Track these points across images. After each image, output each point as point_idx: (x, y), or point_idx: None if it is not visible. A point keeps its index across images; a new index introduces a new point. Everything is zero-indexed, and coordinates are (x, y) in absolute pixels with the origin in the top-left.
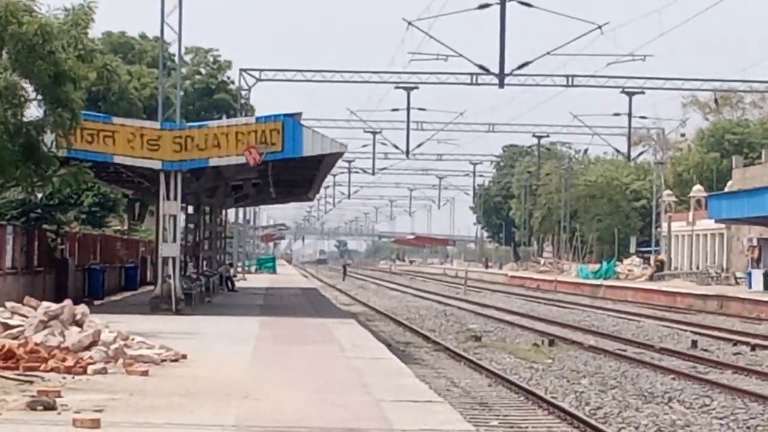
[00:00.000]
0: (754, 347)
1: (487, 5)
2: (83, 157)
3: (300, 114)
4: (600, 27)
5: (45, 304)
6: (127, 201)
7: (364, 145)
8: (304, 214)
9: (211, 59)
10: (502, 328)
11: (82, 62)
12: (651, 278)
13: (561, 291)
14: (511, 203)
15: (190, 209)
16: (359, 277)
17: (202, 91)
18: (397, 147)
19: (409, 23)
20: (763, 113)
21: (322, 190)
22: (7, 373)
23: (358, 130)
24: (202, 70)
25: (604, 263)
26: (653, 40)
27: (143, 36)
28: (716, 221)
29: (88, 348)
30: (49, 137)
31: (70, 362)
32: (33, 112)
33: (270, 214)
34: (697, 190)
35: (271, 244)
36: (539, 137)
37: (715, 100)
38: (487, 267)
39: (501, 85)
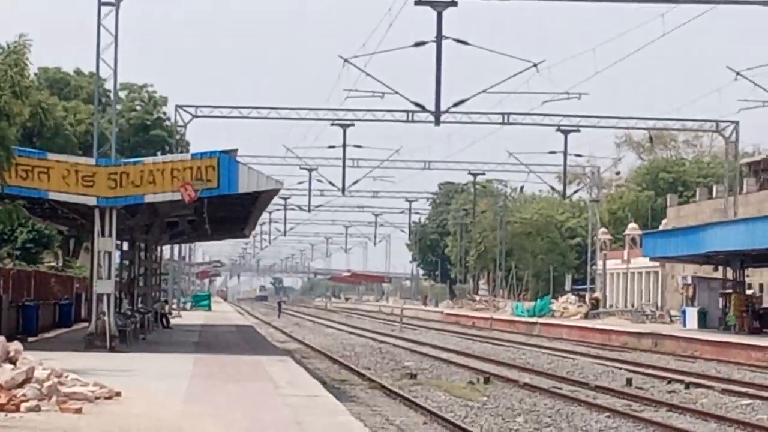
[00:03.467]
0: (688, 385)
1: (422, 43)
2: (17, 193)
3: (236, 151)
4: (536, 65)
5: None
6: (62, 237)
7: (300, 182)
8: (240, 251)
9: (146, 95)
10: (437, 366)
11: (17, 99)
12: (586, 316)
13: (496, 328)
14: (447, 240)
15: (125, 246)
16: (295, 315)
17: (137, 127)
18: (332, 184)
19: (345, 60)
20: (697, 152)
21: (257, 227)
22: None
23: (293, 167)
24: (138, 107)
25: (539, 300)
26: (588, 79)
27: (78, 72)
28: (651, 259)
29: (21, 385)
30: None
31: (3, 399)
32: None
33: (205, 250)
34: (632, 228)
35: (206, 281)
36: (475, 174)
37: (650, 138)
38: (425, 304)
39: (437, 122)
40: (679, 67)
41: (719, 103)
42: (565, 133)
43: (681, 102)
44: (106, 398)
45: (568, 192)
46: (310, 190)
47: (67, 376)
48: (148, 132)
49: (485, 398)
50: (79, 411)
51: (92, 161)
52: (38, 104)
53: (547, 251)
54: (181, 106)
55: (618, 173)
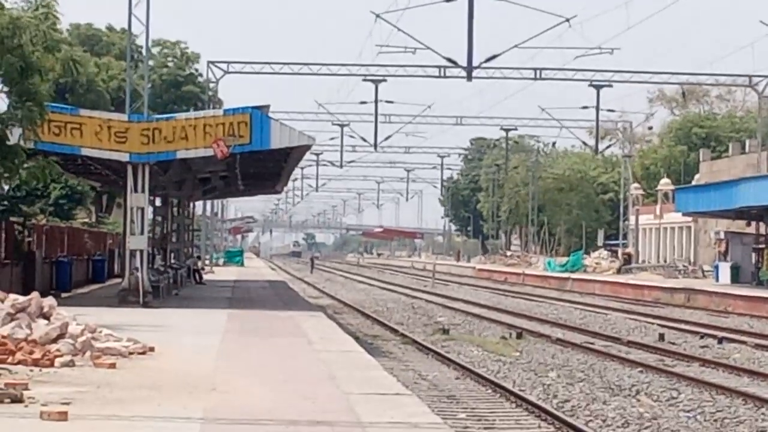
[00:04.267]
0: (721, 340)
1: None
2: (50, 150)
3: (268, 106)
4: (568, 20)
5: (12, 296)
6: (95, 193)
7: (332, 138)
8: (272, 207)
9: (179, 52)
10: (470, 321)
11: (48, 53)
12: (618, 271)
13: (529, 284)
14: (479, 196)
15: (158, 202)
16: (327, 270)
17: (169, 84)
18: (365, 140)
19: (377, 16)
20: (730, 107)
21: (290, 183)
22: None
23: (326, 123)
24: (170, 63)
25: (571, 256)
26: (621, 34)
27: (111, 28)
28: (684, 214)
29: (55, 340)
30: (16, 130)
31: (37, 355)
32: None
33: (238, 206)
34: (665, 184)
35: (239, 236)
36: (507, 130)
37: (683, 93)
38: (458, 259)
39: (469, 77)
40: (712, 21)
41: (752, 57)
42: (598, 88)
43: (714, 57)
44: (140, 353)
45: (601, 147)
46: (342, 145)
47: (100, 332)
48: (180, 88)
49: (518, 353)
50: (112, 366)
51: (125, 117)
52: (69, 57)
53: (580, 207)
54: (213, 62)
55: (650, 128)
